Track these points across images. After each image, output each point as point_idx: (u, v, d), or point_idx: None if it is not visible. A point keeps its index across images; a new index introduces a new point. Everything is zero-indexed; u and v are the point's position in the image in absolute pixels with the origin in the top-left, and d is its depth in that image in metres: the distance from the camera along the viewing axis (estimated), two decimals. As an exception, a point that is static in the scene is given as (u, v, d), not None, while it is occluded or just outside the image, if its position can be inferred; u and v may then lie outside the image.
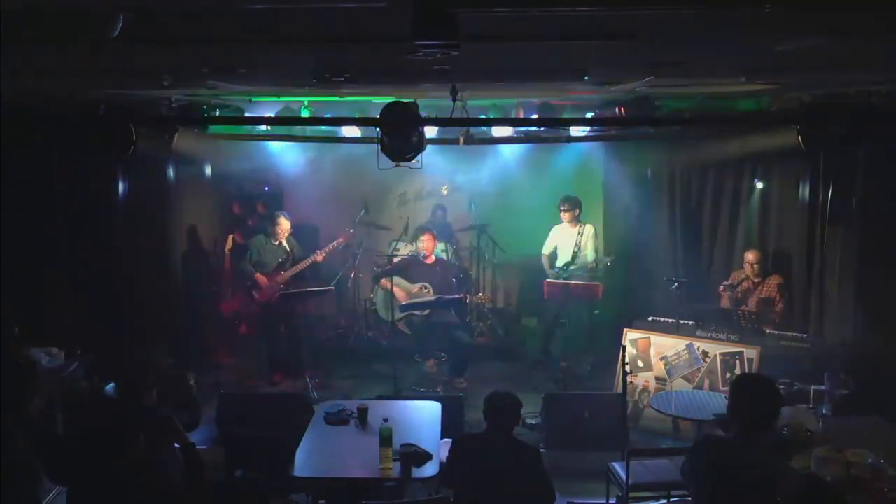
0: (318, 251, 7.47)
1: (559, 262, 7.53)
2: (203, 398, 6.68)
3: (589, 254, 7.46)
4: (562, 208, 7.52)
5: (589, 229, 7.54)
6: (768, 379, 3.60)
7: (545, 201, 8.16)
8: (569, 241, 7.53)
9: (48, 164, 6.08)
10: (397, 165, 5.02)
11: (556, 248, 7.66)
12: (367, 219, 8.50)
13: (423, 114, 5.04)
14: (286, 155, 8.61)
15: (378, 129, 4.79)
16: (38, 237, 6.17)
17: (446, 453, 4.22)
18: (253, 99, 6.28)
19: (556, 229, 7.69)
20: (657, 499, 4.65)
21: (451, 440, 4.36)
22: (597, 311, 7.52)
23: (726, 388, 5.52)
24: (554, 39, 3.33)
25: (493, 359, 7.92)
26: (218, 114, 6.52)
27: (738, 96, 6.12)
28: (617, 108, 6.24)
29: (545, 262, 7.73)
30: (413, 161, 5.03)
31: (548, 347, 7.73)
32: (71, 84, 5.09)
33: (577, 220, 7.54)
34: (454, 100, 5.06)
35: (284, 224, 7.33)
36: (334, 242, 7.64)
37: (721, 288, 6.66)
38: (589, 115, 6.81)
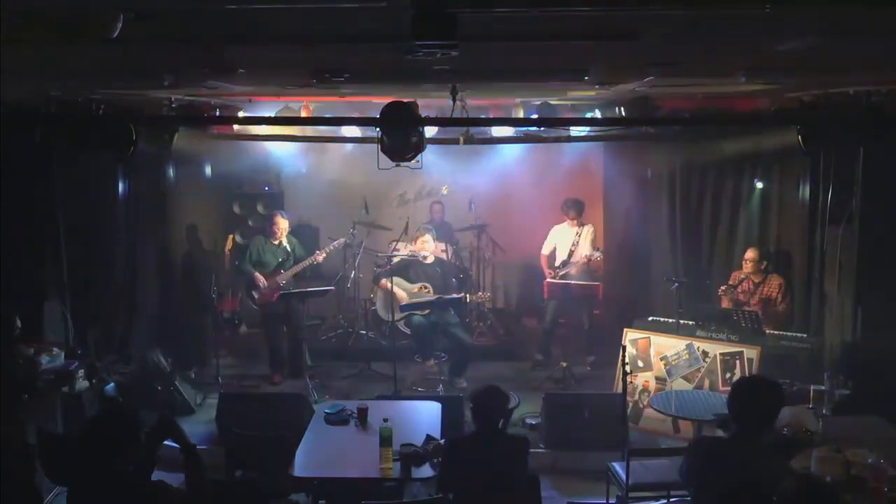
0: (318, 252, 7.47)
1: (557, 262, 7.55)
2: (203, 398, 6.74)
3: (584, 250, 7.48)
4: (565, 208, 7.57)
5: (588, 228, 7.59)
6: (768, 379, 3.60)
7: (545, 201, 8.17)
8: (567, 241, 7.57)
9: (48, 164, 6.08)
10: (397, 165, 5.01)
11: (555, 248, 7.68)
12: (367, 219, 8.50)
13: (424, 114, 5.03)
14: (286, 155, 8.63)
15: (378, 129, 4.79)
16: (38, 237, 6.17)
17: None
18: (253, 99, 6.28)
19: (555, 229, 7.71)
20: (657, 499, 4.64)
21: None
22: (597, 311, 7.51)
23: (726, 388, 5.52)
24: (554, 39, 3.33)
25: (493, 359, 7.91)
26: (218, 114, 6.52)
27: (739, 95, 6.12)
28: (617, 108, 6.23)
29: (543, 262, 7.75)
30: (413, 161, 5.03)
31: (548, 347, 7.73)
32: (71, 84, 5.09)
33: (578, 222, 7.57)
34: (454, 100, 5.06)
35: (282, 223, 7.32)
36: (334, 243, 7.63)
37: (720, 291, 6.66)
38: (589, 115, 6.81)
